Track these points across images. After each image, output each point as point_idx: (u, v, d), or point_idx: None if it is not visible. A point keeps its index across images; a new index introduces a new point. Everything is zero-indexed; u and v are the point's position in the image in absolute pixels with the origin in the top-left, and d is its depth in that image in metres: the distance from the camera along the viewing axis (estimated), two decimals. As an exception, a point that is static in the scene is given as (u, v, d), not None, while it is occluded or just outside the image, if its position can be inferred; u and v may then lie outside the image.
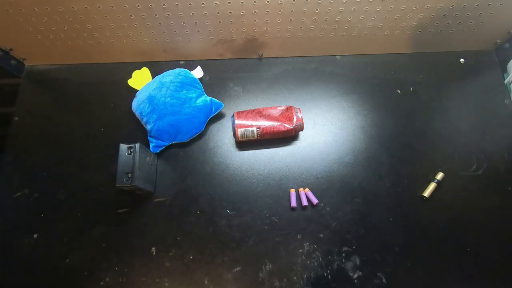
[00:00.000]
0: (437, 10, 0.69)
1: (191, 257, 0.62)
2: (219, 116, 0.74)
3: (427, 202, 0.67)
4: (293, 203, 0.66)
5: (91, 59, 0.78)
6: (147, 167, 0.64)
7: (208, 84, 0.76)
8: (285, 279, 0.61)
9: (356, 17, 0.69)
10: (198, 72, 0.76)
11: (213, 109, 0.71)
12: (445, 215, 0.66)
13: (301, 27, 0.71)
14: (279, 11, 0.67)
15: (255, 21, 0.69)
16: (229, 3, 0.64)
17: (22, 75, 0.78)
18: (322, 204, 0.66)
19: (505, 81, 0.78)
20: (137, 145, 0.60)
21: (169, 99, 0.67)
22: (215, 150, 0.71)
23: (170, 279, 0.61)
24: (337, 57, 0.81)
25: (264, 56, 0.80)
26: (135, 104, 0.70)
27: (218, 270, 0.62)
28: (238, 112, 0.68)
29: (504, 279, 0.62)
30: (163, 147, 0.69)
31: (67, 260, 0.62)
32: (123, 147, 0.60)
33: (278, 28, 0.71)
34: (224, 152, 0.71)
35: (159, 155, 0.70)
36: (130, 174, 0.58)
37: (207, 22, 0.69)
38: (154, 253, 0.63)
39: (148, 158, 0.64)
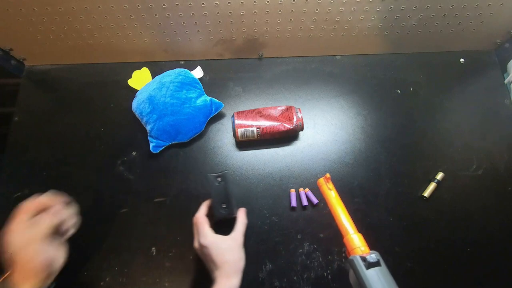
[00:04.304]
0: (437, 10, 0.69)
1: (191, 257, 0.62)
2: (219, 116, 0.74)
3: (427, 202, 0.67)
4: (293, 203, 0.66)
5: (91, 59, 0.78)
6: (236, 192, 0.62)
7: (208, 84, 0.76)
8: (285, 279, 0.61)
9: (356, 17, 0.69)
10: (198, 72, 0.76)
11: (213, 109, 0.71)
12: (445, 215, 0.66)
13: (301, 27, 0.71)
14: (279, 11, 0.67)
15: (255, 21, 0.69)
16: (229, 3, 0.64)
17: (22, 75, 0.78)
18: (322, 204, 0.66)
19: (505, 81, 0.78)
20: (226, 173, 0.59)
21: (169, 99, 0.67)
22: (215, 150, 0.71)
23: (170, 279, 0.61)
24: (337, 57, 0.81)
25: (264, 56, 0.80)
26: (135, 104, 0.71)
27: (218, 270, 0.61)
28: (238, 112, 0.68)
29: (504, 279, 0.62)
30: (163, 147, 0.69)
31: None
32: (211, 177, 0.58)
33: (278, 28, 0.71)
34: (224, 152, 0.71)
35: (159, 155, 0.70)
36: (224, 205, 0.58)
37: (207, 22, 0.69)
38: (154, 253, 0.63)
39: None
